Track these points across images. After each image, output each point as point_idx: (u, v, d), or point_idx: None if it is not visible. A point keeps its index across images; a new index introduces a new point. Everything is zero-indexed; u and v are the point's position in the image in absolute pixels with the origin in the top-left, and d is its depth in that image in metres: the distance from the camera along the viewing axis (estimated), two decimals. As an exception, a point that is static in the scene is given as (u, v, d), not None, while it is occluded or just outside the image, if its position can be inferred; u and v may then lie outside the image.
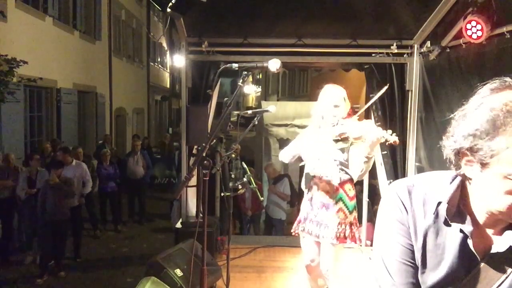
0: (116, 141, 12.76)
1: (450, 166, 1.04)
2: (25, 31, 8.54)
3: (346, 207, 3.10)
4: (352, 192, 3.14)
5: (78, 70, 11.36)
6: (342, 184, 3.10)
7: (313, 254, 3.27)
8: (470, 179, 1.00)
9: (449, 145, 1.02)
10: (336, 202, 3.09)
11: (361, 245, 4.08)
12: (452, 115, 1.02)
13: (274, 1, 4.20)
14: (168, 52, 23.23)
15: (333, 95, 3.13)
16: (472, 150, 0.95)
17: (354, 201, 3.16)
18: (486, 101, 0.95)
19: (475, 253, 1.01)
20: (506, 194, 0.93)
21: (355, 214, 3.16)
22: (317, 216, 3.14)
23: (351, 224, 3.10)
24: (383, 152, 4.63)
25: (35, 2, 9.14)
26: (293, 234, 3.35)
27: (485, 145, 0.92)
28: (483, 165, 0.94)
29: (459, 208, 1.04)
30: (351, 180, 3.13)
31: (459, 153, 0.99)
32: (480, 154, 0.94)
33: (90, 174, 7.13)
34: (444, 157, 1.04)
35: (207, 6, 3.42)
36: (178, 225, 4.79)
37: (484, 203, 0.99)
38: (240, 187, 3.76)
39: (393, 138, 2.76)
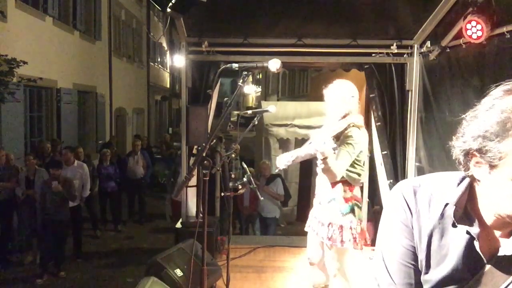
0: (116, 141, 12.74)
1: (459, 167, 1.03)
2: (25, 31, 8.53)
3: (339, 208, 3.01)
4: (348, 194, 3.04)
5: (78, 70, 11.35)
6: (334, 184, 3.02)
7: (313, 252, 3.27)
8: (479, 180, 0.99)
9: (458, 145, 1.01)
10: (329, 202, 3.06)
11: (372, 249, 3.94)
12: (463, 116, 1.01)
13: (274, 1, 4.20)
14: (168, 52, 23.23)
15: (325, 93, 3.09)
16: (481, 151, 0.95)
17: (350, 204, 3.04)
18: (497, 102, 0.94)
19: (481, 255, 1.00)
20: None
21: (352, 218, 3.02)
22: (317, 212, 3.17)
23: (342, 227, 2.98)
24: (383, 152, 4.63)
25: (35, 2, 9.13)
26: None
27: (494, 147, 0.92)
28: (492, 167, 0.94)
29: (466, 210, 1.03)
30: (345, 181, 3.03)
31: (468, 154, 0.99)
32: (489, 156, 0.93)
33: (91, 173, 7.14)
34: (453, 158, 1.04)
35: (207, 6, 3.41)
36: (178, 225, 4.79)
37: (492, 205, 0.98)
38: (240, 187, 3.76)
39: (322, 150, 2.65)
